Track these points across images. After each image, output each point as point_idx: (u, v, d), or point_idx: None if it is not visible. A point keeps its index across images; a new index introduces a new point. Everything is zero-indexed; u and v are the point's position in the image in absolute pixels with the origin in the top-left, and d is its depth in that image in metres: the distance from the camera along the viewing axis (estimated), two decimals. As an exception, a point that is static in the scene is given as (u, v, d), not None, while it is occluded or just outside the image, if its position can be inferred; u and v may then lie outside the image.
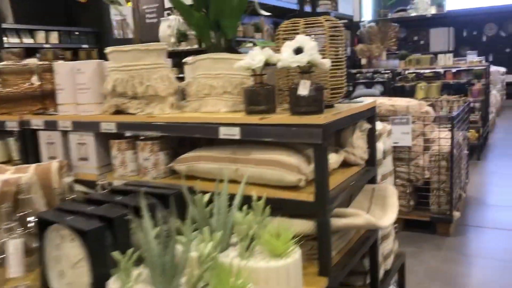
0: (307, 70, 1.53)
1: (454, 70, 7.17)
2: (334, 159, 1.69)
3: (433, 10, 13.65)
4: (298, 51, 1.48)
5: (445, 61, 7.06)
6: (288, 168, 1.52)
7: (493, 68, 10.00)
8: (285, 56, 1.49)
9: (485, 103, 6.74)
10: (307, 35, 1.63)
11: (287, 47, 1.51)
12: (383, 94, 6.98)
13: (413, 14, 13.83)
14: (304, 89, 1.48)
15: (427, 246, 3.60)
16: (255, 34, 8.87)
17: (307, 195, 1.50)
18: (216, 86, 1.78)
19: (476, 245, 3.61)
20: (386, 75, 7.45)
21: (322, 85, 1.56)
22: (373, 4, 14.79)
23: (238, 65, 1.62)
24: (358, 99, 2.10)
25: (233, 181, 1.54)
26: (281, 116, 1.55)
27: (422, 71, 7.37)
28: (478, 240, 3.68)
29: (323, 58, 1.59)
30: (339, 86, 1.75)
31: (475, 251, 3.51)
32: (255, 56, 1.60)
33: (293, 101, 1.53)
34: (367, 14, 14.61)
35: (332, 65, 1.69)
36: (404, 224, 3.91)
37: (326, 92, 1.69)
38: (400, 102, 3.88)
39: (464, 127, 4.59)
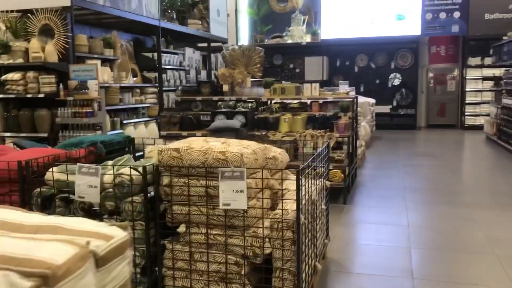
0: None
1: (320, 101, 6.38)
2: None
3: (308, 38, 13.28)
4: None
5: (311, 91, 6.25)
6: None
7: (363, 99, 9.61)
8: None
9: (352, 139, 6.01)
10: None
11: None
12: (245, 125, 5.95)
13: (289, 41, 13.34)
14: None
15: None
16: (105, 50, 7.44)
17: None
18: None
19: None
20: (250, 104, 6.46)
21: None
22: (250, 29, 14.09)
23: None
24: None
25: None
26: None
27: (288, 101, 6.49)
28: (334, 338, 2.64)
29: None
30: None
31: None
32: None
33: None
34: (244, 39, 13.85)
35: None
36: (239, 318, 2.75)
37: None
38: (234, 147, 2.76)
39: (323, 173, 3.63)
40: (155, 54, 8.86)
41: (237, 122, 5.80)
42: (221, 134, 5.70)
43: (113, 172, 2.86)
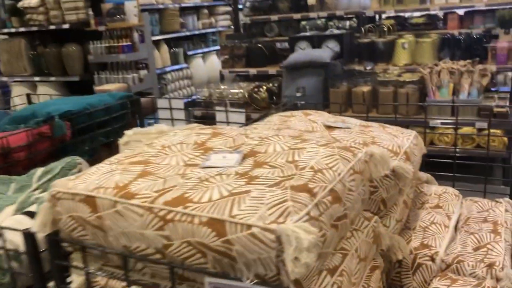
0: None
1: (461, 11, 3.98)
2: None
3: None
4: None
5: (448, -4, 3.86)
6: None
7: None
8: None
9: (518, 72, 3.62)
10: None
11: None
12: (339, 57, 3.85)
13: None
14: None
15: None
16: None
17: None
18: None
19: None
20: (348, 23, 4.27)
21: None
22: None
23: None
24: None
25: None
26: None
27: (407, 14, 4.18)
28: None
29: None
30: None
31: None
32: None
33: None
34: None
35: None
36: None
37: None
38: (265, 194, 0.82)
39: None
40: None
41: (326, 52, 3.72)
42: (302, 73, 3.69)
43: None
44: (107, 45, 4.42)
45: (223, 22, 6.58)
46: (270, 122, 1.56)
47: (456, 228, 1.42)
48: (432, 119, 3.23)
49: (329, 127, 1.47)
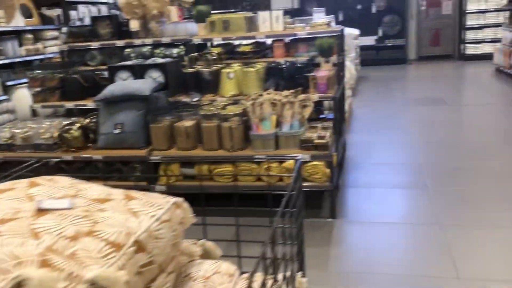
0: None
1: (287, 39, 3.92)
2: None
3: (273, -43, 10.38)
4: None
5: (272, 23, 3.75)
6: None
7: (345, 31, 7.09)
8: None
9: (340, 101, 3.60)
10: None
11: None
12: (164, 88, 3.50)
13: (250, -39, 10.43)
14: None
15: None
16: None
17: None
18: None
19: None
20: (175, 51, 3.95)
21: None
22: None
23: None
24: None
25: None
26: None
27: (237, 42, 4.02)
28: None
29: None
30: None
31: None
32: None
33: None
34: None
35: None
36: None
37: None
38: None
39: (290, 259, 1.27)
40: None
41: (147, 83, 3.34)
42: (120, 107, 3.27)
43: None
44: None
45: (53, 48, 5.85)
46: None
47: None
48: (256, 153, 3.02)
49: (41, 210, 1.06)
